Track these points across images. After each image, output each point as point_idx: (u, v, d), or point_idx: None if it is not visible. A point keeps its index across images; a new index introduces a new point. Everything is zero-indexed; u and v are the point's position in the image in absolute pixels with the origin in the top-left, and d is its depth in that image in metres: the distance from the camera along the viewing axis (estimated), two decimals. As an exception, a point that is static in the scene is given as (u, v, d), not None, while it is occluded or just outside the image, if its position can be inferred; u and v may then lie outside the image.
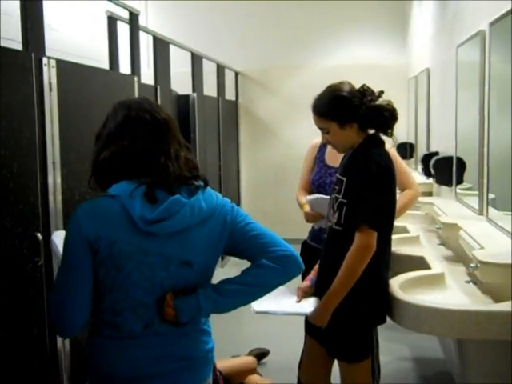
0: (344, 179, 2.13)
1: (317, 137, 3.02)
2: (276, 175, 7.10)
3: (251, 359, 3.38)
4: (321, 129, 2.22)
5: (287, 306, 2.17)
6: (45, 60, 2.30)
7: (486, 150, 2.92)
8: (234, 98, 6.96)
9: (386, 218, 2.12)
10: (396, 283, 2.30)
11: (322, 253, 2.29)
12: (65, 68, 2.45)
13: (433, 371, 3.51)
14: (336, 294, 2.09)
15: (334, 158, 2.77)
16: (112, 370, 1.53)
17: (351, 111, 2.12)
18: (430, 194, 4.62)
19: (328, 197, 2.33)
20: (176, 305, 1.52)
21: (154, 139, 1.53)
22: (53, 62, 2.35)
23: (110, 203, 1.49)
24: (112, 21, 3.33)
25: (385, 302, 2.21)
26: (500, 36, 2.68)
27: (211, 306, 1.55)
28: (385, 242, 2.15)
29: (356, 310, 2.14)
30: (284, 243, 1.60)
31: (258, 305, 2.07)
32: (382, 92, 2.14)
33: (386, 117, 2.12)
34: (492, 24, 2.73)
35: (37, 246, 2.21)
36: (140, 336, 1.53)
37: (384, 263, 2.19)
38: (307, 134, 6.45)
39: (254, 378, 3.26)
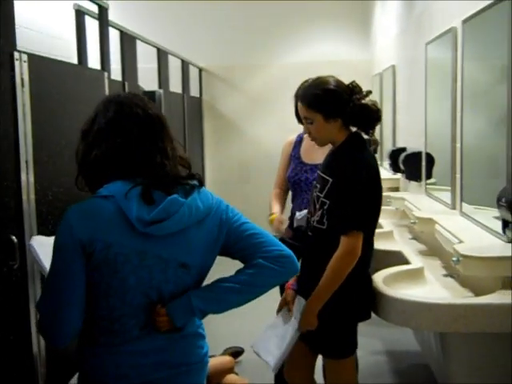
0: (329, 179, 2.12)
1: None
2: (240, 172, 7.07)
3: (228, 359, 3.35)
4: (305, 118, 2.20)
5: (285, 334, 2.17)
6: (16, 55, 2.19)
7: (458, 145, 2.97)
8: (197, 95, 6.89)
9: (373, 220, 2.15)
10: (379, 278, 2.31)
11: (304, 250, 2.28)
12: (37, 63, 2.34)
13: (407, 364, 3.55)
14: (320, 296, 2.10)
15: (309, 154, 2.77)
16: (108, 380, 1.46)
17: (339, 106, 2.11)
18: (396, 189, 4.69)
19: None
20: (168, 310, 1.47)
21: (147, 136, 1.47)
22: (24, 57, 2.24)
23: (103, 204, 1.42)
24: (80, 14, 3.23)
25: (369, 297, 2.22)
26: (472, 33, 2.73)
27: (203, 305, 1.49)
28: (369, 241, 2.17)
29: (342, 307, 2.14)
30: (280, 243, 1.57)
31: (272, 360, 2.14)
32: (369, 92, 2.14)
33: (372, 117, 2.13)
34: (465, 21, 2.77)
35: (12, 250, 2.11)
36: (136, 340, 1.47)
37: (367, 259, 2.20)
38: (271, 131, 6.57)
39: (231, 377, 3.23)
